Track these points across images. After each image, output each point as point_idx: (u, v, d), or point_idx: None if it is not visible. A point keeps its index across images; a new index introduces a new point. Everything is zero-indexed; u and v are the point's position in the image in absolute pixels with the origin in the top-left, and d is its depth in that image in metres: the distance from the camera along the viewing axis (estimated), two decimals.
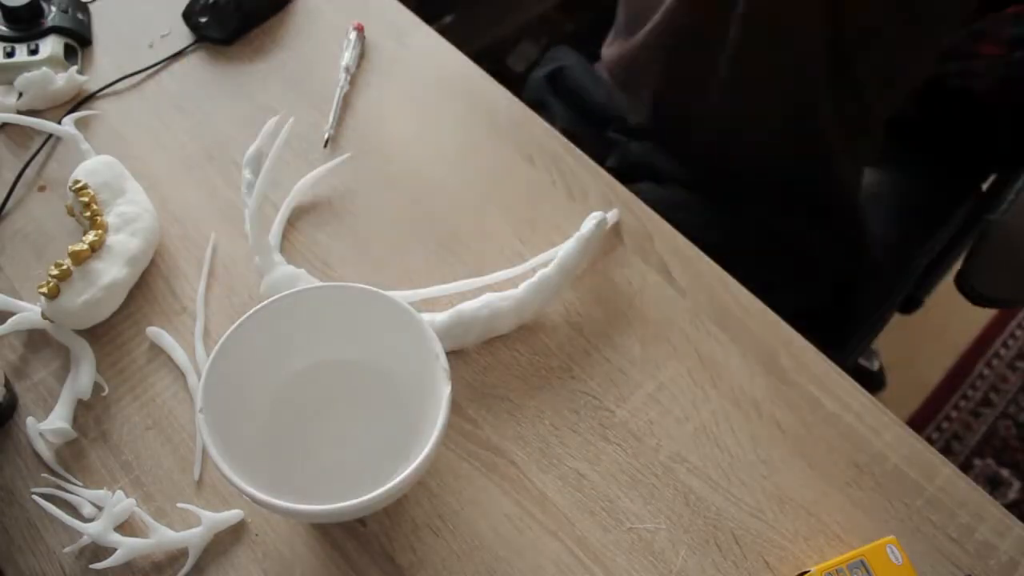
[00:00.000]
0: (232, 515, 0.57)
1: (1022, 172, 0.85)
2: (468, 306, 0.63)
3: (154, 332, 0.66)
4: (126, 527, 0.57)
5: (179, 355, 0.65)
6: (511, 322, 0.64)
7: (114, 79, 0.81)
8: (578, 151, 0.74)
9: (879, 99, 0.74)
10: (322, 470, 0.58)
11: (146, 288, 0.68)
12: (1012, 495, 1.32)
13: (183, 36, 0.84)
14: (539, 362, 0.63)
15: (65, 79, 0.78)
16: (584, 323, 0.65)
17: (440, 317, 0.63)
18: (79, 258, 0.64)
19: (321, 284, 0.59)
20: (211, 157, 0.76)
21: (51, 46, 0.80)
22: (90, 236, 0.65)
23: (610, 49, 0.87)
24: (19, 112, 0.78)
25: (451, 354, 0.63)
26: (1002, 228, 0.78)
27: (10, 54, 0.79)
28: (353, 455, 0.59)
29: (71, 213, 0.71)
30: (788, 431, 0.60)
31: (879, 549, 0.53)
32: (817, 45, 0.68)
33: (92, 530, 0.55)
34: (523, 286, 0.64)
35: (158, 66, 0.82)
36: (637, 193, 0.71)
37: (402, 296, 0.63)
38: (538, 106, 0.72)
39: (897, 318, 0.96)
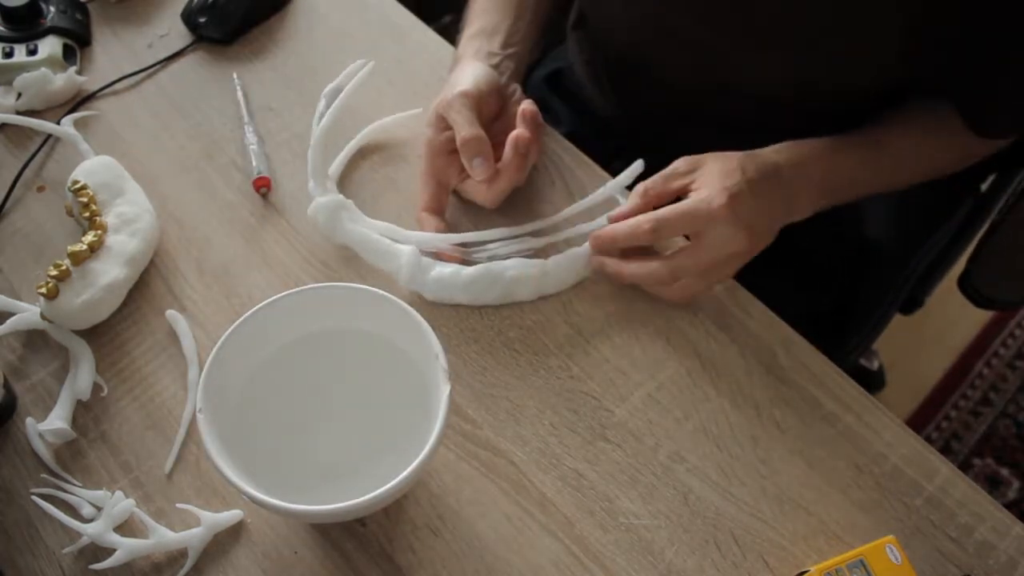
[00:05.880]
0: (231, 515, 0.57)
1: (1021, 173, 0.85)
2: (496, 265, 0.65)
3: (172, 316, 0.66)
4: (125, 528, 0.57)
5: (188, 343, 0.65)
6: (532, 289, 0.65)
7: (113, 79, 0.81)
8: (577, 151, 0.74)
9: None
10: (322, 470, 0.58)
11: (145, 288, 0.68)
12: (1012, 495, 1.32)
13: (182, 36, 0.84)
14: (539, 362, 0.63)
15: (64, 79, 0.78)
16: (584, 323, 0.65)
17: (467, 270, 0.65)
18: (78, 259, 0.64)
19: (321, 284, 0.59)
20: (210, 157, 0.76)
21: (50, 46, 0.80)
22: (89, 237, 0.65)
23: None
24: (18, 112, 0.78)
25: (451, 353, 0.63)
26: (1005, 229, 0.78)
27: (9, 54, 0.79)
28: (353, 455, 0.59)
29: (70, 213, 0.71)
30: (788, 431, 0.60)
31: (878, 549, 0.53)
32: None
33: (91, 531, 0.55)
34: (551, 259, 0.66)
35: (157, 66, 0.82)
36: None
37: (430, 239, 0.66)
38: (540, 107, 0.72)
39: (896, 318, 0.96)
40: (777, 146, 0.66)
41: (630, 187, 0.67)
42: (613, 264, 0.65)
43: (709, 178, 0.63)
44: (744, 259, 0.64)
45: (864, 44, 0.65)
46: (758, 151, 0.65)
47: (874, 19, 0.63)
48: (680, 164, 0.65)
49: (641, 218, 0.63)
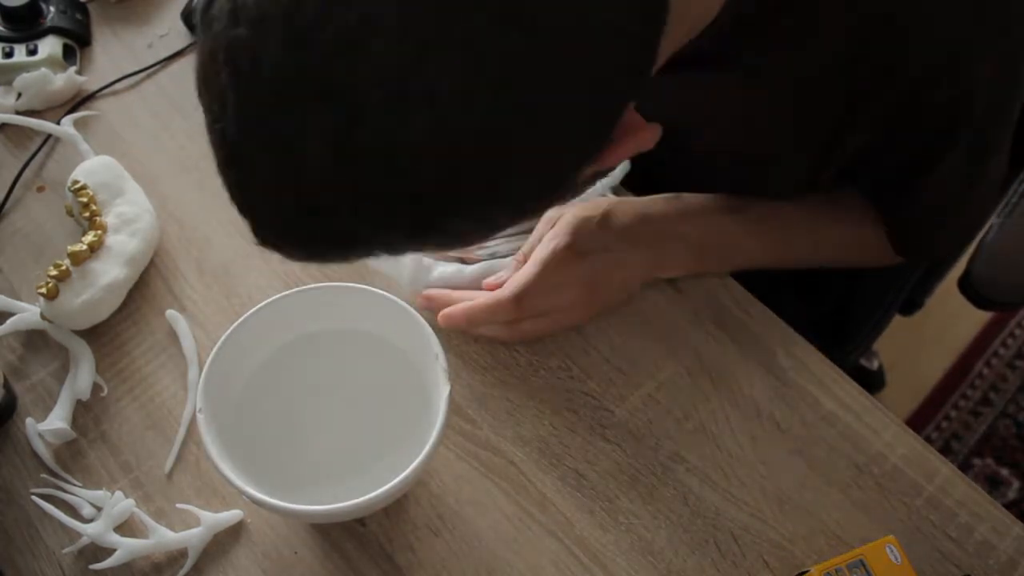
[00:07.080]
0: (231, 515, 0.57)
1: (1021, 174, 0.85)
2: (497, 263, 0.65)
3: (172, 316, 0.66)
4: (125, 528, 0.57)
5: (188, 344, 0.65)
6: None
7: (113, 79, 0.81)
8: None
9: None
10: (322, 470, 0.58)
11: (145, 288, 0.68)
12: (1012, 495, 1.32)
13: (182, 36, 0.84)
14: (539, 362, 0.63)
15: (64, 79, 0.78)
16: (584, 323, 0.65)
17: (469, 268, 0.65)
18: (78, 259, 0.64)
19: (321, 284, 0.59)
20: (210, 157, 0.75)
21: (50, 46, 0.80)
22: (89, 237, 0.65)
23: None
24: (18, 112, 0.78)
25: (451, 354, 0.63)
26: (1006, 230, 0.78)
27: (9, 54, 0.79)
28: (353, 455, 0.59)
29: (70, 214, 0.71)
30: (788, 431, 0.60)
31: (878, 549, 0.53)
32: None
33: (91, 531, 0.55)
34: None
35: (157, 66, 0.82)
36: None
37: None
38: None
39: (896, 318, 0.96)
40: (656, 197, 0.66)
41: (621, 184, 0.68)
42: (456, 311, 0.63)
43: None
44: (588, 293, 0.62)
45: (767, 173, 0.66)
46: (633, 200, 0.65)
47: (777, 151, 0.64)
48: (548, 212, 0.65)
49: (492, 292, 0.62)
